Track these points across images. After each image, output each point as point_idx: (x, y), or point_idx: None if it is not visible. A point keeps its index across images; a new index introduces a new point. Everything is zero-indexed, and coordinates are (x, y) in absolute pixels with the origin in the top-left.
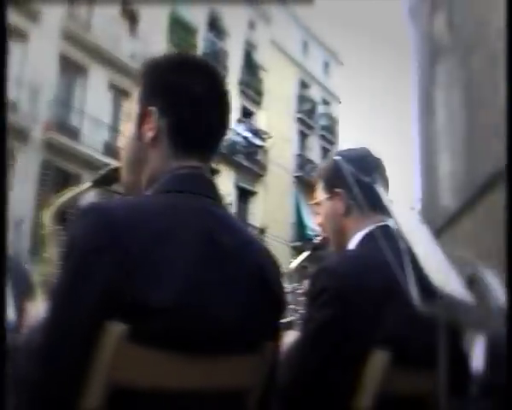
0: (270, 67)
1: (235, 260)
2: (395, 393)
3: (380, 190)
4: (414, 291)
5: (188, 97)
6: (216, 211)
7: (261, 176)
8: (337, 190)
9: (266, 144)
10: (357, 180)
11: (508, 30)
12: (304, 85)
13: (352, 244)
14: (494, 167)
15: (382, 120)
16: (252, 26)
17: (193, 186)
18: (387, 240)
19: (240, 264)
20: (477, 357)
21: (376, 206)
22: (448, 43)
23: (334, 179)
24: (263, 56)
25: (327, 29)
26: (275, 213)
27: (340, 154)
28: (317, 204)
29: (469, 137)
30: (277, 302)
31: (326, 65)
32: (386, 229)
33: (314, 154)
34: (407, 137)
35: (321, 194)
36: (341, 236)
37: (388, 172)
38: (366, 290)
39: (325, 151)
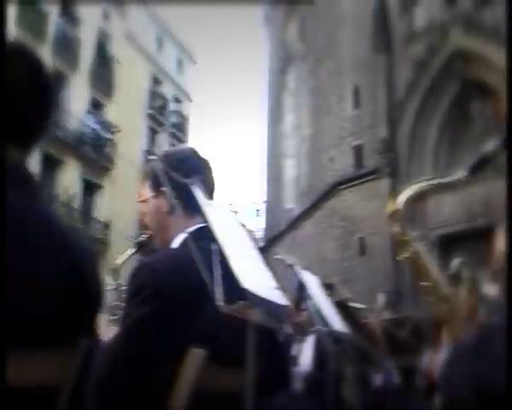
0: (123, 60)
1: (49, 256)
2: (210, 390)
3: (196, 191)
4: (218, 292)
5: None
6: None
7: (108, 170)
8: (162, 188)
9: (115, 138)
10: (173, 180)
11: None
12: (156, 81)
13: (176, 243)
14: (333, 177)
15: (234, 122)
16: (106, 16)
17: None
18: (206, 241)
19: (54, 259)
20: (305, 356)
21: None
22: (299, 52)
23: (164, 177)
24: (116, 48)
25: (182, 27)
26: (120, 208)
27: (162, 153)
28: (143, 202)
29: (314, 144)
30: (92, 299)
31: (179, 63)
32: (206, 230)
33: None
34: (258, 141)
35: (147, 192)
36: (165, 234)
37: (237, 174)
38: (184, 289)
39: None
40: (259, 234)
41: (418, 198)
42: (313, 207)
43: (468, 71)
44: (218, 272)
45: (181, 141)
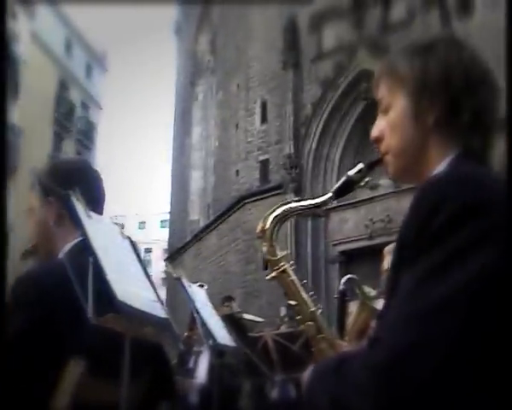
0: (29, 62)
1: None
2: (89, 401)
3: (74, 202)
4: (89, 305)
5: None
6: None
7: (11, 174)
8: (49, 198)
9: (19, 142)
10: (53, 191)
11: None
12: (63, 86)
13: (62, 254)
14: (238, 191)
15: (145, 131)
16: (13, 15)
17: None
18: (87, 253)
19: None
20: (201, 369)
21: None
22: (209, 65)
23: (48, 188)
24: (23, 49)
25: (93, 31)
26: (24, 213)
27: (48, 163)
28: (30, 210)
29: (221, 157)
30: None
31: (89, 68)
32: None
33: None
34: (167, 151)
35: (35, 200)
36: (50, 244)
37: (146, 184)
38: (65, 301)
39: (80, 156)
40: (164, 245)
41: (285, 218)
42: (218, 219)
43: (372, 91)
44: (90, 286)
45: (88, 148)
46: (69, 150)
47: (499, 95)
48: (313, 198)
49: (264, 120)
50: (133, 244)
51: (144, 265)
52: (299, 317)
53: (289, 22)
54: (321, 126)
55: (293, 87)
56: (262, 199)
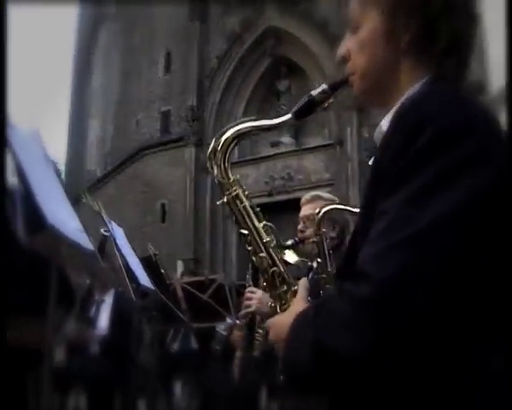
0: None
1: None
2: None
3: None
4: (19, 224)
5: None
6: None
7: None
8: None
9: None
10: None
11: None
12: None
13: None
14: (138, 142)
15: (44, 78)
16: None
17: None
18: None
19: None
20: (103, 318)
21: None
22: (112, 11)
23: None
24: None
25: None
26: None
27: None
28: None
29: (121, 106)
30: None
31: None
32: None
33: None
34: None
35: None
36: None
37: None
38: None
39: None
40: None
41: (239, 139)
42: (116, 170)
43: (279, 49)
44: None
45: None
46: None
47: (478, 21)
48: (271, 119)
49: (167, 70)
50: (55, 167)
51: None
52: (250, 248)
53: None
54: (225, 80)
55: (199, 39)
56: (162, 151)
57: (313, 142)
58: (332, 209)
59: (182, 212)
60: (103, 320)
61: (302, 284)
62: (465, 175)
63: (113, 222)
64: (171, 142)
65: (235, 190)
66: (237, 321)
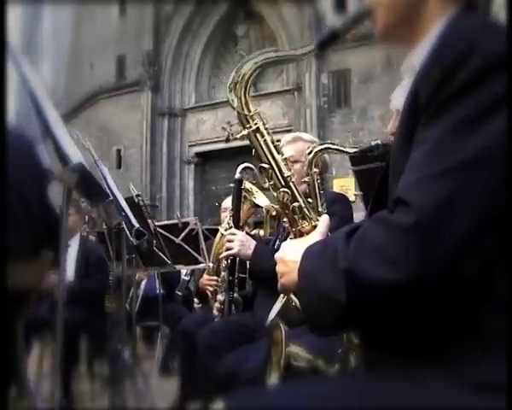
0: None
1: None
2: None
3: None
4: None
5: None
6: None
7: None
8: None
9: None
10: None
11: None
12: None
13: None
14: (92, 87)
15: None
16: None
17: None
18: None
19: None
20: (69, 264)
21: None
22: None
23: None
24: None
25: None
26: None
27: None
28: None
29: (75, 50)
30: None
31: None
32: None
33: None
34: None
35: None
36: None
37: None
38: None
39: None
40: None
41: (261, 68)
42: (70, 115)
43: None
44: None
45: None
46: None
47: None
48: (294, 49)
49: (122, 12)
50: None
51: None
52: (271, 183)
53: None
54: (182, 24)
55: None
56: (117, 96)
57: (271, 87)
58: (325, 149)
59: (138, 157)
60: (70, 266)
61: (323, 219)
62: (502, 108)
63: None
64: (126, 86)
65: (255, 124)
66: (210, 264)
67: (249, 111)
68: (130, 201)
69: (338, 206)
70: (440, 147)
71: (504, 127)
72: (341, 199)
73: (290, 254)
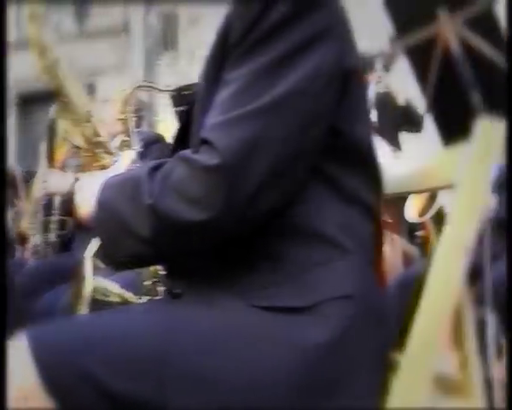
0: None
1: None
2: None
3: None
4: None
5: None
6: None
7: None
8: None
9: None
10: None
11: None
12: None
13: None
14: None
15: None
16: None
17: None
18: None
19: None
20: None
21: None
22: None
23: None
24: None
25: None
26: None
27: None
28: None
29: None
30: None
31: None
32: None
33: None
34: None
35: None
36: None
37: None
38: None
39: None
40: None
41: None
42: None
43: None
44: None
45: None
46: None
47: None
48: None
49: None
50: None
51: None
52: (73, 118)
53: None
54: None
55: None
56: None
57: (97, 27)
58: (138, 87)
59: None
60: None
61: (127, 155)
62: (314, 50)
63: None
64: None
65: (53, 55)
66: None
67: (44, 42)
68: None
69: (154, 148)
70: (247, 88)
71: (313, 72)
72: (159, 141)
73: (90, 184)
